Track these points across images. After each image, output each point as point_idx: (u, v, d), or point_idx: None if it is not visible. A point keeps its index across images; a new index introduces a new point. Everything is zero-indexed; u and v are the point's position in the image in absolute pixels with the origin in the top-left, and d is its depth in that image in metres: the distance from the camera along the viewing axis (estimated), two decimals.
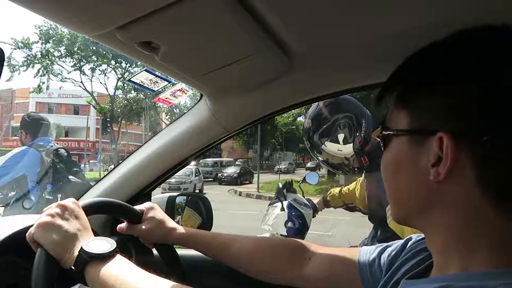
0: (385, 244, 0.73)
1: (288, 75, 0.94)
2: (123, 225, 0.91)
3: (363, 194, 2.03)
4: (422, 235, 0.63)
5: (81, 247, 0.66)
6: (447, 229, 0.47)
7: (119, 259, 0.67)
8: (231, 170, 23.95)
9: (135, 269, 0.66)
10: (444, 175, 0.45)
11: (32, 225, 0.72)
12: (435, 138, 0.45)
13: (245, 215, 10.15)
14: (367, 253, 0.74)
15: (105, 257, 0.65)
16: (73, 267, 0.67)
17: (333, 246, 0.84)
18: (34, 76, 20.77)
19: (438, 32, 0.50)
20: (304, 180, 2.59)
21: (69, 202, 0.75)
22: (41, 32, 20.14)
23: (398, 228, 1.58)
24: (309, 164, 29.01)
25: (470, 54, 0.47)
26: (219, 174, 24.02)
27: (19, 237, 0.77)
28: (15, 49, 20.09)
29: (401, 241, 0.69)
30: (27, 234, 0.71)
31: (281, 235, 2.25)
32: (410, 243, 0.67)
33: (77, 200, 0.78)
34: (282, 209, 2.31)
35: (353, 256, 0.76)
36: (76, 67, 22.12)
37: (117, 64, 23.00)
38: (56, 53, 21.02)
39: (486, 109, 0.44)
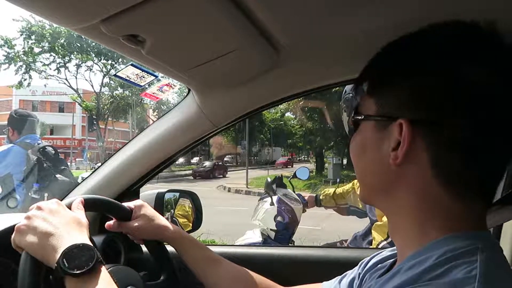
0: (346, 272, 0.77)
1: (275, 69, 0.94)
2: (111, 222, 0.90)
3: None
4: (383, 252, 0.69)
5: (58, 261, 0.63)
6: (407, 211, 0.51)
7: (97, 276, 0.64)
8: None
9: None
10: (401, 158, 0.49)
11: (15, 225, 0.70)
12: (396, 124, 0.50)
13: (234, 211, 10.16)
14: (329, 284, 0.79)
15: (82, 275, 0.62)
16: (50, 277, 0.65)
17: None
18: (15, 73, 20.25)
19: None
20: (294, 175, 2.60)
21: (49, 202, 0.73)
22: (22, 27, 19.63)
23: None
24: (207, 164, 26.08)
25: (430, 48, 0.51)
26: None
27: (3, 237, 0.75)
28: None
29: (360, 264, 0.73)
30: (11, 239, 0.69)
31: (271, 229, 2.26)
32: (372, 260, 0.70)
33: (63, 198, 0.76)
34: (272, 204, 2.32)
35: None
36: (60, 64, 21.69)
37: (103, 61, 22.65)
38: (38, 50, 20.53)
39: (441, 99, 0.48)
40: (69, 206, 0.75)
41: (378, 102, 0.54)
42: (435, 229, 0.48)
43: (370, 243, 1.83)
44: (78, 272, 0.62)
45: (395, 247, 0.63)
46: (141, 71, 0.95)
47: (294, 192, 2.48)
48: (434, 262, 0.43)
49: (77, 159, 28.90)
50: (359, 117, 0.57)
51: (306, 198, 2.41)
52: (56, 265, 0.63)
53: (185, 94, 1.09)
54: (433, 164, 0.48)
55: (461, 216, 0.48)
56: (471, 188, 0.48)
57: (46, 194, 2.83)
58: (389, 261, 0.64)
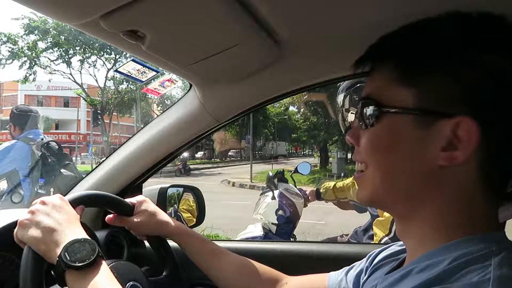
0: (353, 263, 0.75)
1: (278, 64, 0.93)
2: (111, 216, 0.90)
3: None
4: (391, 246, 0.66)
5: (60, 254, 0.63)
6: (429, 214, 0.47)
7: (97, 269, 0.64)
8: None
9: (111, 282, 0.65)
10: (462, 161, 0.44)
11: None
12: (451, 122, 0.44)
13: (239, 205, 10.18)
14: (336, 275, 0.78)
15: (83, 267, 0.63)
16: (52, 272, 0.65)
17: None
18: (19, 68, 20.29)
19: None
20: (296, 170, 2.60)
21: (53, 197, 0.73)
22: (25, 23, 19.62)
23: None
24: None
25: (481, 33, 0.46)
26: None
27: (6, 232, 0.76)
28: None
29: (368, 256, 0.71)
30: (14, 233, 0.70)
31: (272, 223, 2.26)
32: (381, 255, 0.68)
33: (67, 193, 0.76)
34: (273, 197, 2.32)
35: (323, 280, 0.79)
36: (64, 59, 21.71)
37: (107, 55, 22.64)
38: (42, 45, 20.57)
39: (497, 96, 0.44)
40: (71, 202, 0.75)
41: (419, 94, 0.46)
42: (453, 231, 0.45)
43: (371, 237, 1.82)
44: (79, 264, 0.62)
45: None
46: (142, 67, 0.95)
47: (295, 186, 2.48)
48: (448, 266, 0.41)
49: (82, 154, 29.06)
50: (386, 109, 0.48)
51: (307, 192, 2.41)
52: (57, 259, 0.63)
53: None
54: (480, 166, 0.44)
55: (483, 217, 0.46)
56: (502, 190, 0.46)
57: (52, 189, 2.85)
58: (400, 256, 0.61)
